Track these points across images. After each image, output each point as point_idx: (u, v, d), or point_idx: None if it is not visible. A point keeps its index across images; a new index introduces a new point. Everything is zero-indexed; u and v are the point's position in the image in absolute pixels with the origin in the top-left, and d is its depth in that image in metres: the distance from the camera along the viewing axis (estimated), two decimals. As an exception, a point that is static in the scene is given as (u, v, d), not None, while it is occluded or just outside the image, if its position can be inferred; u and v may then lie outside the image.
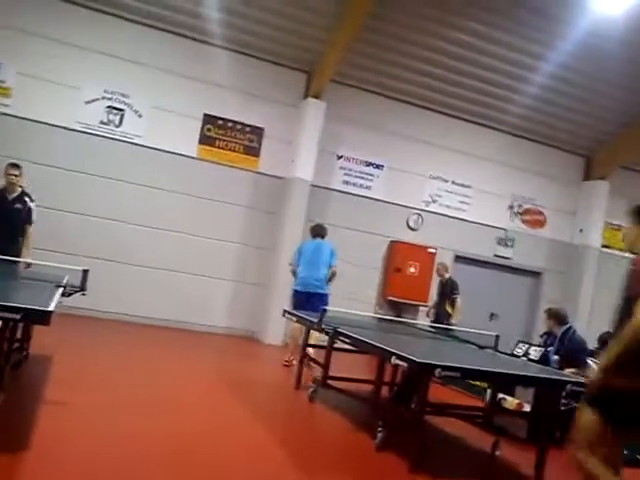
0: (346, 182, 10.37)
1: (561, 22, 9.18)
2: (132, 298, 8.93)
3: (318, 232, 7.87)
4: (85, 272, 5.13)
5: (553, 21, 9.20)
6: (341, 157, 10.33)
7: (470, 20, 9.29)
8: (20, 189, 6.48)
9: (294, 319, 6.60)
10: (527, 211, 11.73)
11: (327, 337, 5.59)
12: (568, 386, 4.77)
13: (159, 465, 3.60)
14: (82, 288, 5.15)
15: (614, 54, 9.46)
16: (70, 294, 5.04)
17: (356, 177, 10.43)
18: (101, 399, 4.78)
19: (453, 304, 9.51)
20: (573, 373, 5.71)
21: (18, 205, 6.43)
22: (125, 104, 9.07)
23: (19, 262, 6.04)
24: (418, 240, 10.64)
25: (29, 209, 6.47)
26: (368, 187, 10.50)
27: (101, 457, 3.58)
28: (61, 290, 4.42)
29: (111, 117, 9.00)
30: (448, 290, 9.63)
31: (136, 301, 8.95)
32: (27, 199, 6.47)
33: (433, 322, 9.13)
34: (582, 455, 2.69)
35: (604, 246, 11.97)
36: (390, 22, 9.21)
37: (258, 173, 9.80)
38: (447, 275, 9.79)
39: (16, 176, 6.41)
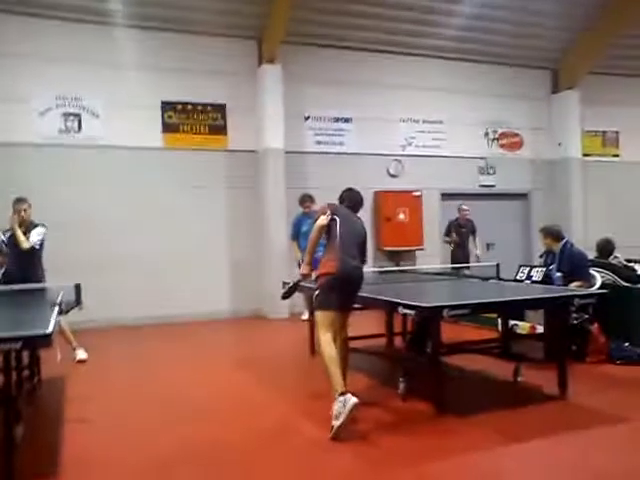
0: (319, 142, 10.22)
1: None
2: (128, 302, 8.76)
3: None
4: (77, 286, 5.06)
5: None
6: (308, 118, 10.15)
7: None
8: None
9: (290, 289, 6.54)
10: (503, 135, 11.66)
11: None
12: (576, 300, 4.80)
13: (197, 464, 3.60)
14: (78, 303, 5.09)
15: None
16: (68, 311, 4.98)
17: (328, 135, 10.28)
18: (123, 410, 4.76)
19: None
20: (578, 286, 5.75)
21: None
22: (80, 107, 8.81)
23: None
24: (402, 186, 10.58)
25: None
26: (341, 143, 10.36)
27: (135, 469, 3.56)
28: (57, 309, 4.33)
29: (69, 124, 8.76)
30: (470, 230, 9.98)
31: (133, 304, 8.80)
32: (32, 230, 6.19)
33: (459, 262, 9.47)
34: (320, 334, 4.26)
35: (585, 154, 11.97)
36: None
37: (229, 151, 9.63)
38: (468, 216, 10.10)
39: (26, 210, 6.21)
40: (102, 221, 8.81)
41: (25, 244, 6.07)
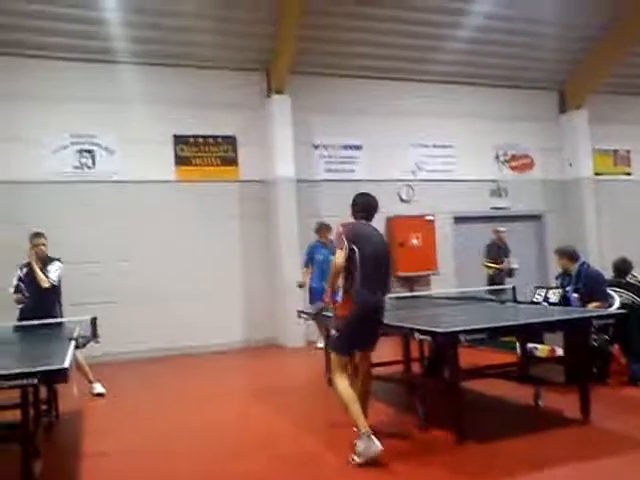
0: (329, 170, 10.28)
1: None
2: (142, 334, 8.75)
3: None
4: (94, 320, 5.08)
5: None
6: (318, 146, 10.24)
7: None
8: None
9: (310, 318, 6.53)
10: (513, 157, 11.67)
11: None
12: (595, 321, 4.73)
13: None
14: (94, 336, 5.11)
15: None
16: (84, 345, 5.00)
17: (338, 163, 10.35)
18: (142, 444, 4.73)
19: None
20: (597, 307, 5.68)
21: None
22: (93, 144, 8.97)
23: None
24: (414, 211, 10.58)
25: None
26: (352, 170, 10.41)
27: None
28: (74, 343, 4.35)
29: (83, 160, 8.90)
30: (506, 251, 10.08)
31: (146, 336, 8.79)
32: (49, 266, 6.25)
33: (498, 284, 9.30)
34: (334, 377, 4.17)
35: (597, 173, 11.92)
36: (329, 3, 9.09)
37: (241, 181, 9.72)
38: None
39: (44, 244, 6.28)
40: (117, 255, 8.89)
41: (45, 283, 6.12)
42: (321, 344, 7.63)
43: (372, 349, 4.36)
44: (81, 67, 8.91)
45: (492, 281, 9.71)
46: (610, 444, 4.07)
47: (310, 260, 8.68)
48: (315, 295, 8.14)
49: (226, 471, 3.94)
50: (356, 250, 4.08)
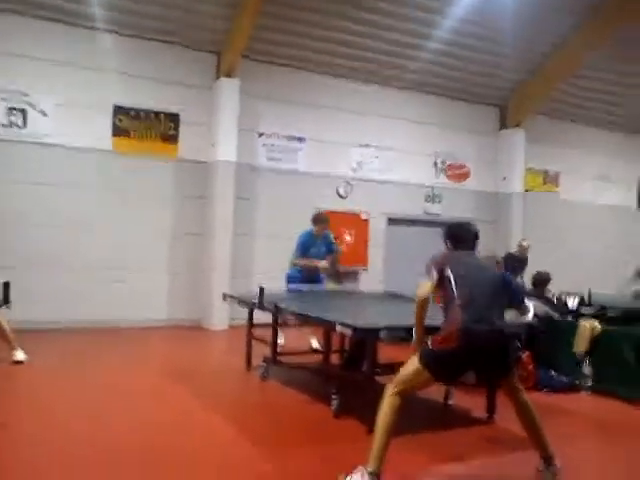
0: (271, 158, 10.24)
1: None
2: (64, 304, 8.51)
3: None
4: (6, 285, 4.87)
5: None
6: (262, 134, 10.17)
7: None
8: None
9: (236, 302, 6.49)
10: (451, 166, 11.99)
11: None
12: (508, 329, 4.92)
13: (121, 466, 3.49)
14: (5, 301, 4.90)
15: (509, 7, 9.70)
16: (-6, 310, 4.80)
17: (280, 152, 10.31)
18: (42, 413, 4.58)
19: None
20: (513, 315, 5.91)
21: None
22: (26, 103, 8.54)
23: None
24: (349, 208, 10.69)
25: None
26: (293, 161, 10.41)
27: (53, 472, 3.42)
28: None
29: (13, 119, 8.47)
30: (523, 266, 9.73)
31: (69, 306, 8.54)
32: None
33: None
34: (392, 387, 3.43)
35: (526, 190, 12.44)
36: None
37: (179, 160, 9.53)
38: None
39: None
40: (43, 220, 8.55)
41: None
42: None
43: (503, 378, 3.70)
44: (23, 22, 8.47)
45: None
46: (511, 442, 4.27)
47: (303, 254, 7.40)
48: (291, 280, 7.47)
49: (125, 454, 3.86)
50: (449, 273, 3.47)
